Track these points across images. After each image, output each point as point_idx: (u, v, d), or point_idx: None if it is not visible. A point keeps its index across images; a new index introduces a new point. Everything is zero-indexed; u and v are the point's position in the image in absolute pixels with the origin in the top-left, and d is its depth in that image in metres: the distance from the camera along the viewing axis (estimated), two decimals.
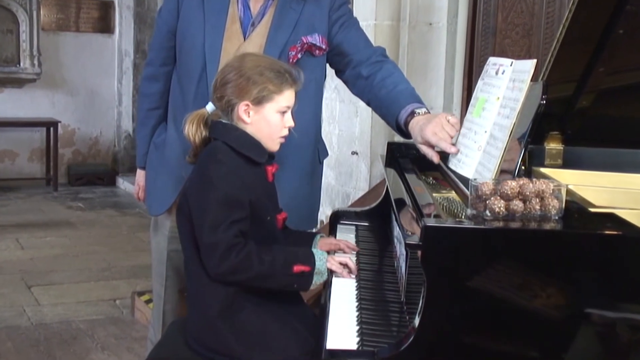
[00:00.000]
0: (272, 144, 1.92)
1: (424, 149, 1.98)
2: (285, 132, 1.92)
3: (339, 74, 2.31)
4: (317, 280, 1.85)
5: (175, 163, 2.21)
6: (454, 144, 1.93)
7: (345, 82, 2.31)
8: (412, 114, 2.06)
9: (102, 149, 7.85)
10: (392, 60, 2.29)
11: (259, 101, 1.86)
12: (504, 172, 1.68)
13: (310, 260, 1.84)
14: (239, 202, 1.81)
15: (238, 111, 1.87)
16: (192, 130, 1.90)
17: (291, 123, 1.92)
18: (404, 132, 2.11)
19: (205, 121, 1.91)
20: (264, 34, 2.16)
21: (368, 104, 2.27)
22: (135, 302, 3.92)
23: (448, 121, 1.93)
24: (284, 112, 1.89)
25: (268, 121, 1.88)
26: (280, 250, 1.85)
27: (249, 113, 1.87)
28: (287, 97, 1.89)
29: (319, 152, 2.35)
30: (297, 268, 1.82)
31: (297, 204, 2.22)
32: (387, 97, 2.16)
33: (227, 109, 1.88)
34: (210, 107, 1.93)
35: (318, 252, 1.88)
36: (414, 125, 2.03)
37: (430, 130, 1.93)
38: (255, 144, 1.89)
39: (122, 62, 7.71)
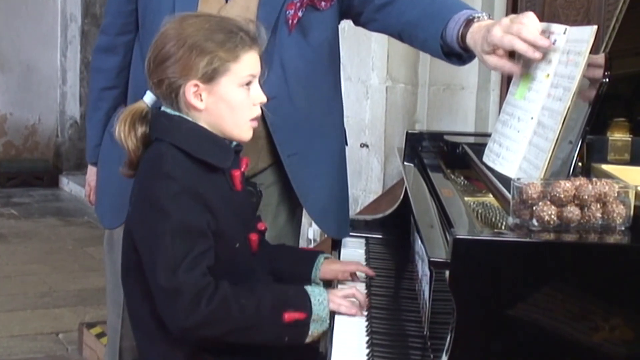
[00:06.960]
0: (241, 131, 1.82)
1: (494, 62, 1.84)
2: (257, 112, 1.83)
3: (357, 20, 2.25)
4: (316, 329, 1.78)
5: None
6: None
7: (365, 24, 2.24)
8: (469, 22, 1.92)
9: (41, 140, 7.86)
10: None
11: (210, 77, 1.75)
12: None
13: (306, 304, 1.77)
14: (199, 230, 1.73)
15: (186, 96, 1.76)
16: (125, 133, 1.79)
17: (262, 98, 1.82)
18: (458, 52, 1.98)
19: (144, 118, 1.81)
20: None
21: (400, 36, 2.18)
22: (84, 337, 3.92)
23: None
24: (248, 84, 1.80)
25: (228, 101, 1.78)
26: (265, 290, 1.78)
27: (200, 96, 1.76)
28: (247, 64, 1.78)
29: (345, 133, 2.35)
30: (290, 316, 1.74)
31: (333, 208, 2.24)
32: (424, 15, 2.04)
33: (171, 96, 1.77)
34: (149, 97, 1.83)
35: (315, 292, 1.80)
36: (475, 33, 1.88)
37: (501, 28, 1.78)
38: (214, 142, 1.80)
39: (66, 30, 7.72)
